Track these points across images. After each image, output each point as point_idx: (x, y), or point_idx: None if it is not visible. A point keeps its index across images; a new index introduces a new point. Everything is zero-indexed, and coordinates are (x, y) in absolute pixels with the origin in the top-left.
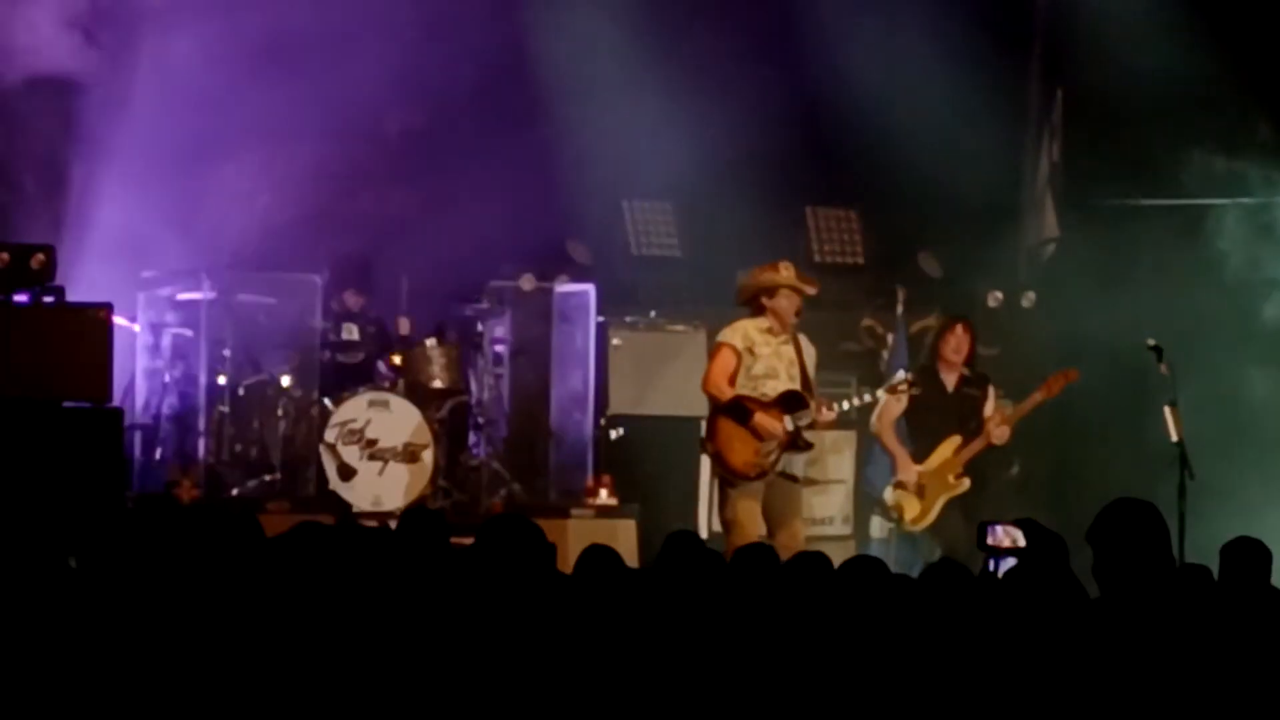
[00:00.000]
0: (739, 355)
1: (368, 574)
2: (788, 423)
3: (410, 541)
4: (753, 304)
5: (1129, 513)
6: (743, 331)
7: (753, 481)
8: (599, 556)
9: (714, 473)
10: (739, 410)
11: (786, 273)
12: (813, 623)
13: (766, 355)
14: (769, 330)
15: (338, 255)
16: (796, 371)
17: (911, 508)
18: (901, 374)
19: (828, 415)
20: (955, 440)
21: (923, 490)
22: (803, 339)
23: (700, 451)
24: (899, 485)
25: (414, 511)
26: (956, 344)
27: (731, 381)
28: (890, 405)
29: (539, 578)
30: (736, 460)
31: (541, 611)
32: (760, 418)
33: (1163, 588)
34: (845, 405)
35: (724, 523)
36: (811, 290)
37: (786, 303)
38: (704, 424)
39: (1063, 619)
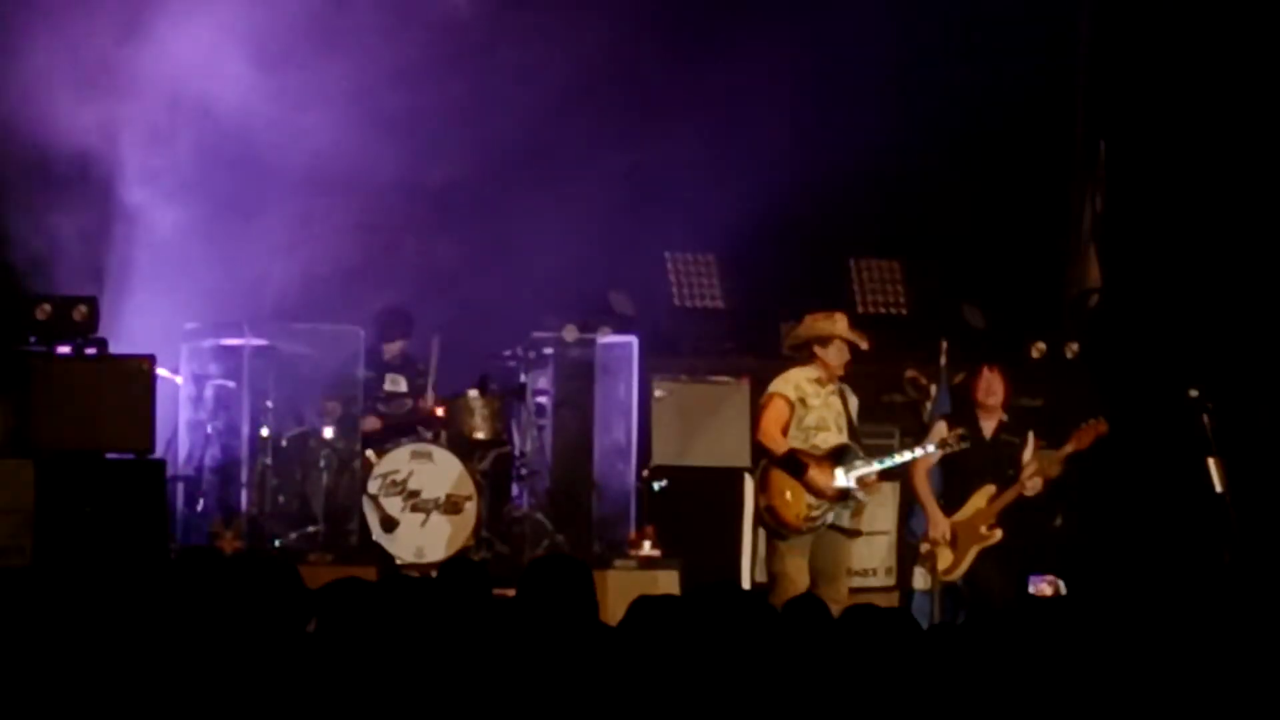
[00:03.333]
0: (792, 406)
1: (408, 626)
2: (839, 476)
3: (450, 593)
4: (804, 351)
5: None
6: (795, 382)
7: (803, 534)
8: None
9: (761, 523)
10: (793, 464)
11: (842, 324)
12: (860, 676)
13: (818, 406)
14: (818, 380)
15: (379, 309)
16: (845, 422)
17: (945, 557)
18: (942, 426)
19: (874, 479)
20: (989, 490)
21: (955, 540)
22: (846, 389)
23: (740, 509)
24: (930, 538)
25: (453, 563)
26: (987, 387)
27: (784, 432)
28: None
29: (583, 622)
30: (788, 514)
31: (585, 659)
32: (814, 473)
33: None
34: (895, 459)
35: (771, 575)
36: (864, 344)
37: (838, 354)
38: (755, 475)
39: (1104, 671)
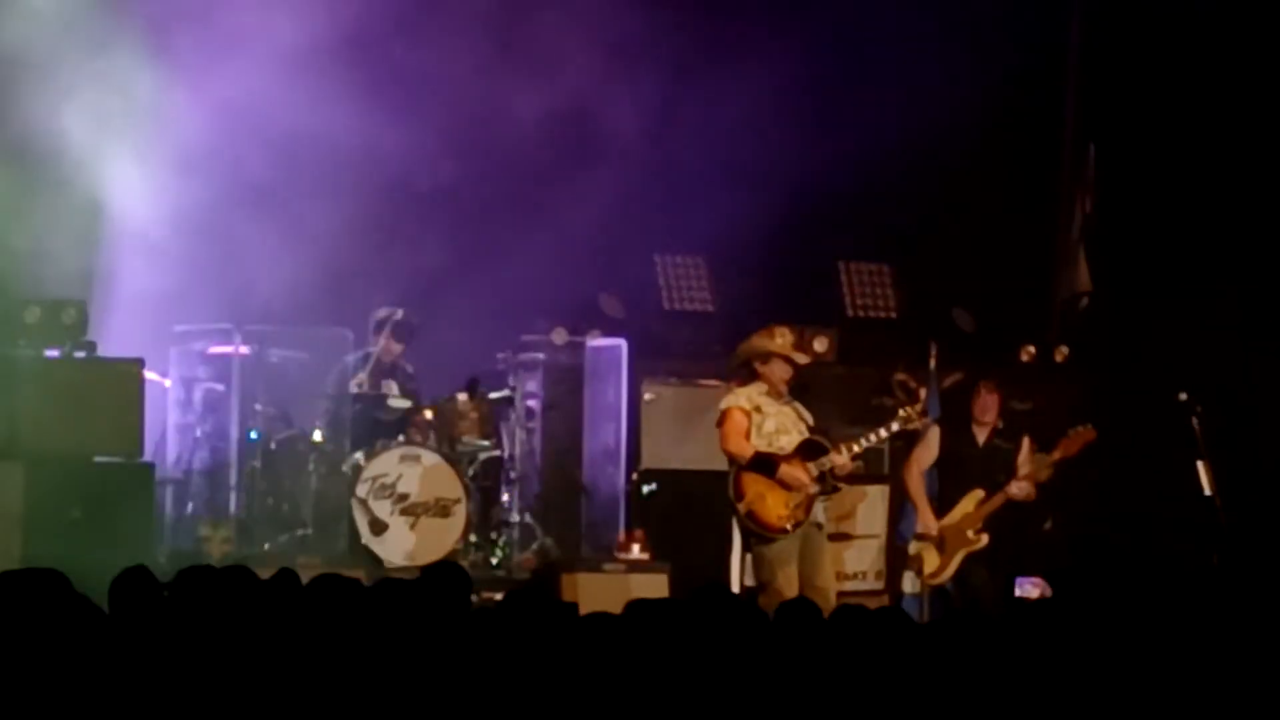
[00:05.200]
0: (748, 415)
1: (389, 628)
2: (812, 469)
3: (431, 597)
4: (746, 369)
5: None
6: (746, 395)
7: (789, 535)
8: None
9: (745, 532)
10: (763, 464)
11: (781, 340)
12: (848, 675)
13: (773, 414)
14: (766, 394)
15: (387, 315)
16: (804, 427)
17: (931, 560)
18: (934, 431)
19: (847, 459)
20: (978, 494)
21: (943, 544)
22: (800, 405)
23: (731, 512)
24: (920, 537)
25: (436, 567)
26: (983, 405)
27: (747, 439)
28: (920, 455)
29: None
30: (770, 515)
31: (572, 664)
32: (785, 468)
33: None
34: (864, 443)
35: (759, 584)
36: (804, 359)
37: (779, 370)
38: (729, 486)
39: (1091, 673)
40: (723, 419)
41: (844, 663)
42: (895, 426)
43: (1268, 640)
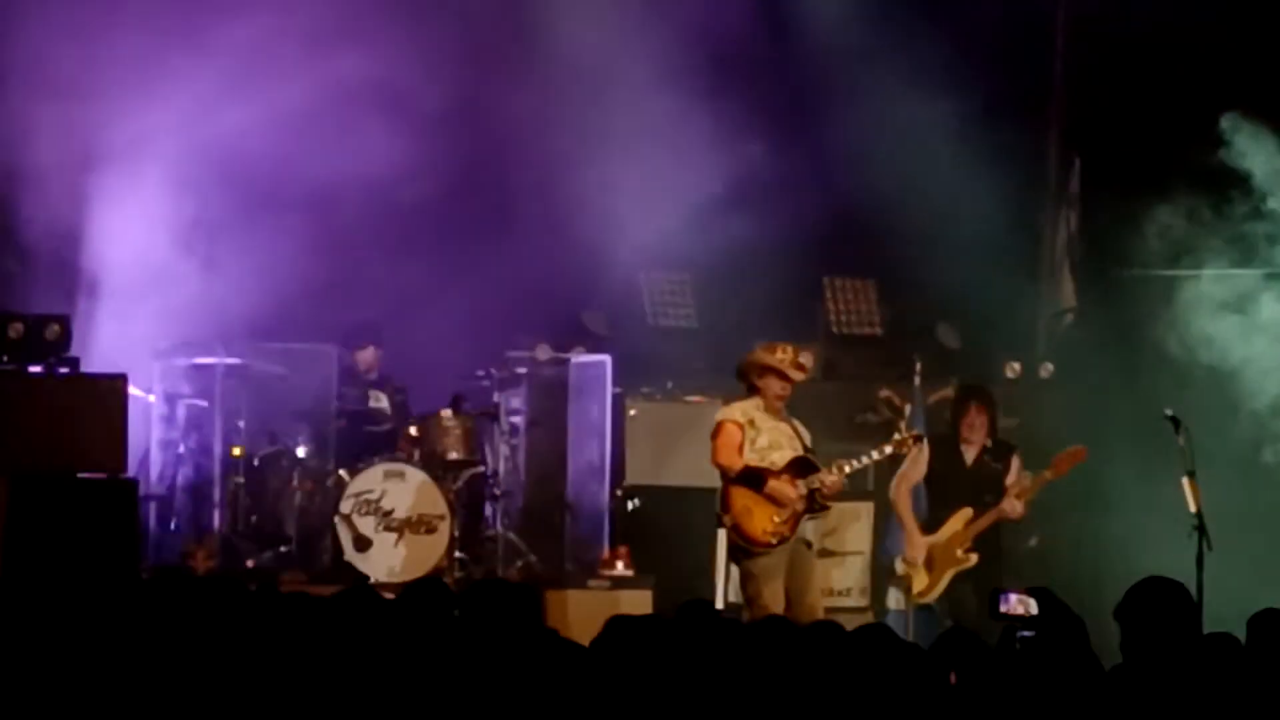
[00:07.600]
0: (742, 428)
1: (370, 644)
2: (801, 487)
3: (412, 613)
4: (745, 382)
5: (1158, 591)
6: (741, 409)
7: (774, 550)
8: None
9: (731, 545)
10: (752, 478)
11: (781, 355)
12: (826, 692)
13: (767, 429)
14: (764, 409)
15: (346, 321)
16: (799, 444)
17: (919, 579)
18: (899, 434)
19: (837, 478)
20: (966, 513)
21: (931, 562)
22: (797, 423)
23: (717, 525)
24: (907, 557)
25: (418, 584)
26: (971, 422)
27: (739, 453)
28: (908, 472)
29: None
30: (755, 529)
31: (551, 679)
32: (774, 484)
33: (1187, 662)
34: (855, 464)
35: (746, 599)
36: (799, 376)
37: (775, 385)
38: (717, 498)
39: (1078, 690)
40: (716, 431)
41: (825, 679)
42: (889, 450)
43: (1251, 659)
